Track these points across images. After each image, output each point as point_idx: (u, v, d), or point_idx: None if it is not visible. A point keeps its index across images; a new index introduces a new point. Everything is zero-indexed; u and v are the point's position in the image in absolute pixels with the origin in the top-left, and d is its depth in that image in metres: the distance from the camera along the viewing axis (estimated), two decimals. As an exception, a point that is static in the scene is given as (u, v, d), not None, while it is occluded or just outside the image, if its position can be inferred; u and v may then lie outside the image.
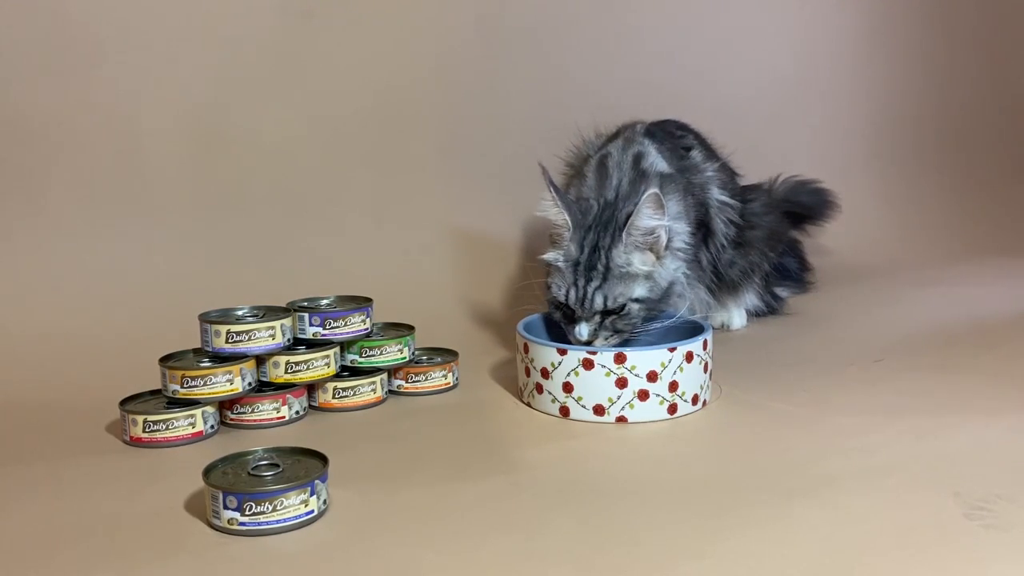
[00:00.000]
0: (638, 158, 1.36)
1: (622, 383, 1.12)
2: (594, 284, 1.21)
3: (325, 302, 1.29)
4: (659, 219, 1.20)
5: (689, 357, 1.15)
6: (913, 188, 2.49)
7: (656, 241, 1.22)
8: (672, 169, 1.38)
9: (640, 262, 1.22)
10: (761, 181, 1.66)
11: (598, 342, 1.21)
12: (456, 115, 1.87)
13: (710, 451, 1.07)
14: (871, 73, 2.53)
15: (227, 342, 1.13)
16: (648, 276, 1.22)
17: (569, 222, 1.24)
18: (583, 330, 1.21)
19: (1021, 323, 1.61)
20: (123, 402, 1.12)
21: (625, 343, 1.23)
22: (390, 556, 0.81)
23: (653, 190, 1.18)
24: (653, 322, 1.25)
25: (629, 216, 1.20)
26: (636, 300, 1.21)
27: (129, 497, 0.95)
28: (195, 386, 1.10)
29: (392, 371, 1.28)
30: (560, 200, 1.25)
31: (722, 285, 1.53)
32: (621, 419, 1.14)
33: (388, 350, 1.26)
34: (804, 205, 1.88)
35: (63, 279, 1.49)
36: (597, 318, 1.22)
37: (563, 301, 1.24)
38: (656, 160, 1.37)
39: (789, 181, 1.85)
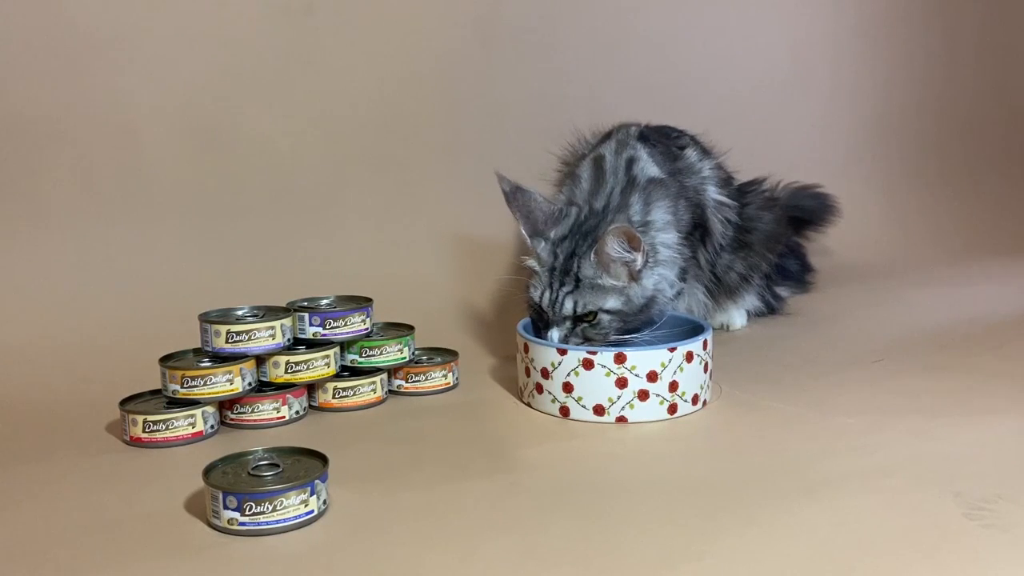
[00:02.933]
0: (630, 163, 1.36)
1: (622, 383, 1.12)
2: (566, 289, 1.22)
3: (325, 302, 1.29)
4: (627, 253, 1.19)
5: (689, 357, 1.15)
6: (914, 188, 2.49)
7: (631, 263, 1.21)
8: (664, 173, 1.38)
9: (612, 277, 1.21)
10: (758, 176, 1.65)
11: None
12: (456, 115, 1.87)
13: (710, 451, 1.07)
14: (871, 72, 2.52)
15: (227, 342, 1.13)
16: (621, 291, 1.22)
17: (525, 233, 1.26)
18: (554, 334, 1.22)
19: (1021, 323, 1.61)
20: (123, 402, 1.12)
21: (618, 345, 1.23)
22: (390, 556, 0.81)
23: (618, 225, 1.18)
24: (635, 333, 1.24)
25: (598, 238, 1.19)
26: (607, 311, 1.21)
27: (129, 497, 0.95)
28: (195, 386, 1.10)
29: (392, 371, 1.28)
30: (518, 213, 1.26)
31: (721, 287, 1.53)
32: (621, 419, 1.14)
33: (388, 350, 1.26)
34: (805, 210, 1.88)
35: (63, 279, 1.49)
36: (568, 323, 1.22)
37: (536, 303, 1.25)
38: (647, 165, 1.37)
39: (790, 187, 1.84)
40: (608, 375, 1.13)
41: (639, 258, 1.20)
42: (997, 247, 2.28)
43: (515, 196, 1.26)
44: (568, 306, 1.21)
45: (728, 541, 0.82)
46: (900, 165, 2.53)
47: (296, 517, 0.86)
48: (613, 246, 1.18)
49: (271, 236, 1.67)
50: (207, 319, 1.15)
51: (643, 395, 1.13)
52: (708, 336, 1.20)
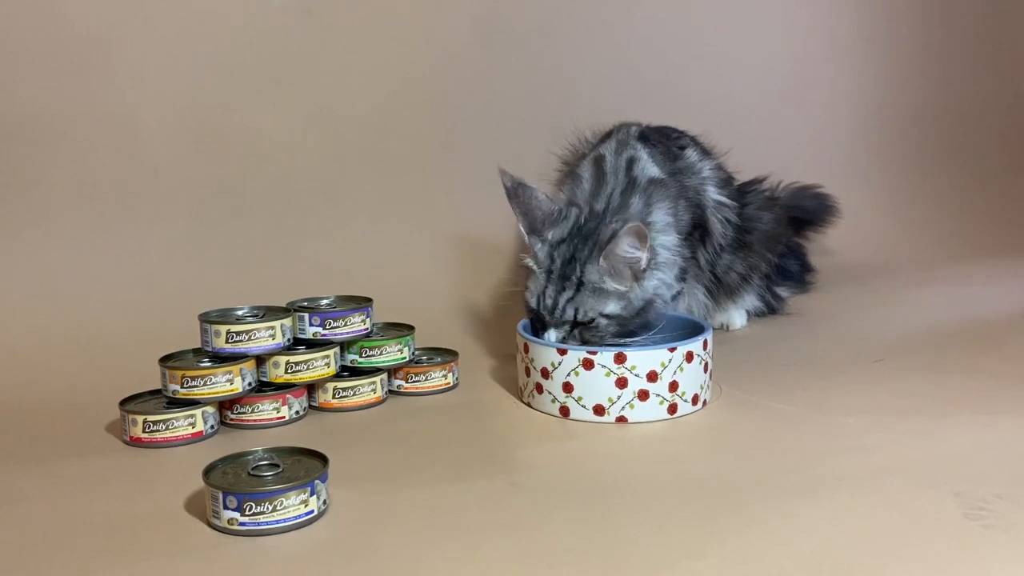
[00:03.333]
0: (630, 163, 1.36)
1: (622, 383, 1.12)
2: (566, 295, 1.21)
3: (325, 302, 1.29)
4: (638, 251, 1.19)
5: (689, 357, 1.15)
6: (914, 188, 2.49)
7: (636, 263, 1.21)
8: (664, 173, 1.38)
9: (616, 282, 1.21)
10: (758, 175, 1.65)
11: None
12: (456, 115, 1.87)
13: (710, 451, 1.07)
14: (871, 73, 2.52)
15: (227, 342, 1.13)
16: (622, 295, 1.22)
17: (523, 229, 1.25)
18: (551, 336, 1.21)
19: (1021, 323, 1.61)
20: (123, 402, 1.12)
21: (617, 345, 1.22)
22: (390, 556, 0.81)
23: (634, 223, 1.17)
24: (633, 336, 1.24)
25: (610, 239, 1.18)
26: (607, 316, 1.21)
27: (129, 497, 0.95)
28: (195, 386, 1.10)
29: (392, 371, 1.28)
30: (517, 209, 1.25)
31: (721, 287, 1.53)
32: (621, 419, 1.14)
33: (388, 350, 1.26)
34: (806, 210, 1.88)
35: (63, 279, 1.49)
36: (567, 327, 1.22)
37: (535, 307, 1.24)
38: (647, 165, 1.36)
39: (790, 187, 1.84)
40: (608, 375, 1.13)
41: (644, 256, 1.20)
42: (997, 247, 2.28)
43: (516, 192, 1.25)
44: (569, 312, 1.21)
45: (728, 541, 0.82)
46: (900, 165, 2.53)
47: (296, 517, 0.86)
48: (623, 247, 1.17)
49: (271, 236, 1.67)
50: (207, 319, 1.15)
51: (643, 395, 1.13)
52: (708, 336, 1.20)
